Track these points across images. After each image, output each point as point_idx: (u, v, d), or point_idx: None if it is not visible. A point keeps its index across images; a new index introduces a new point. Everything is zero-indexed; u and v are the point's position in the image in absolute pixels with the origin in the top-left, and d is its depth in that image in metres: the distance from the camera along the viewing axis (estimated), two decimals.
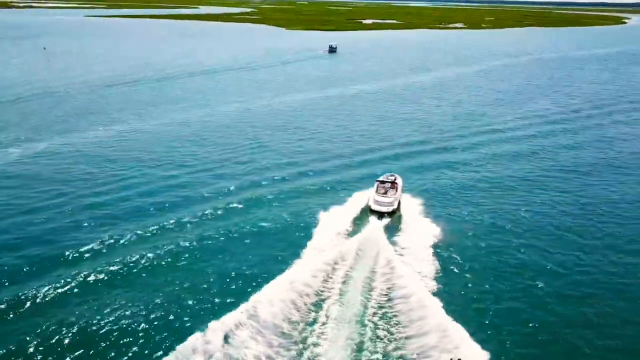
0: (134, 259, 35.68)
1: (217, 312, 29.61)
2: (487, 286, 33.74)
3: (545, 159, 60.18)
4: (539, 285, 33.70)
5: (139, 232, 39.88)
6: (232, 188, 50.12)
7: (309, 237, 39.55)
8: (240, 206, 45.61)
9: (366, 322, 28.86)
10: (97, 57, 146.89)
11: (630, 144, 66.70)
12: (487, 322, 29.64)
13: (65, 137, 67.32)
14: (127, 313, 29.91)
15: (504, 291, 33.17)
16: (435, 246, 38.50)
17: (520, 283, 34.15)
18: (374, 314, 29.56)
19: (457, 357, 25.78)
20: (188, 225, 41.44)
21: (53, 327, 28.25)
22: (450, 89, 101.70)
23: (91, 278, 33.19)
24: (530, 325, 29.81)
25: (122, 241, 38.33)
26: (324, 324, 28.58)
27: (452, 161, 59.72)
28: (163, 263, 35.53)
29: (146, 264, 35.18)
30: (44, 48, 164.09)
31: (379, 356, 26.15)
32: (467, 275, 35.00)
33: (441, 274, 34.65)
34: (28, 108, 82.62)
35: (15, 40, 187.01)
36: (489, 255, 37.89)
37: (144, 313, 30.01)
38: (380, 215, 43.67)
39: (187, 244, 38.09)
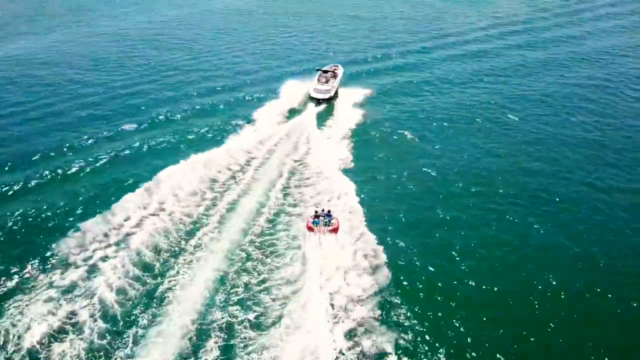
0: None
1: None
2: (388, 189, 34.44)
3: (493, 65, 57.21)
4: (436, 191, 34.12)
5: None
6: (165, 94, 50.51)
7: (248, 117, 44.22)
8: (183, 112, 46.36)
9: (239, 251, 28.04)
10: None
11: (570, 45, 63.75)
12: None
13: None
14: None
15: (403, 194, 33.84)
16: (355, 135, 40.81)
17: (419, 185, 34.76)
18: (252, 241, 28.81)
19: (322, 208, 29.67)
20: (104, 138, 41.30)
21: None
22: None
23: None
24: (417, 221, 30.96)
25: None
26: (191, 253, 27.81)
27: (399, 57, 59.43)
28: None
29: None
30: None
31: (239, 289, 25.54)
32: (377, 172, 36.24)
33: (352, 168, 36.16)
34: None
35: None
36: (403, 153, 38.96)
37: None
38: (318, 101, 46.72)
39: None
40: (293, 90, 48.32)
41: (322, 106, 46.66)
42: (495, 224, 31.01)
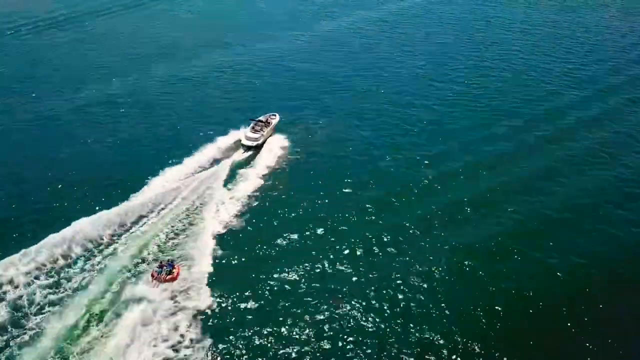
0: None
1: None
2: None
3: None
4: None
5: None
6: None
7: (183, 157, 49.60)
8: None
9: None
10: None
11: None
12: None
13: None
14: None
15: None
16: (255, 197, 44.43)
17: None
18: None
19: (167, 258, 35.22)
20: None
21: None
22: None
23: None
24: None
25: None
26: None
27: (334, 106, 61.11)
28: None
29: None
30: None
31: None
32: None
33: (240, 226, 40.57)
34: None
35: None
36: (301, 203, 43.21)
37: None
38: (247, 148, 52.11)
39: None
40: (226, 138, 53.59)
41: (250, 152, 51.99)
42: None
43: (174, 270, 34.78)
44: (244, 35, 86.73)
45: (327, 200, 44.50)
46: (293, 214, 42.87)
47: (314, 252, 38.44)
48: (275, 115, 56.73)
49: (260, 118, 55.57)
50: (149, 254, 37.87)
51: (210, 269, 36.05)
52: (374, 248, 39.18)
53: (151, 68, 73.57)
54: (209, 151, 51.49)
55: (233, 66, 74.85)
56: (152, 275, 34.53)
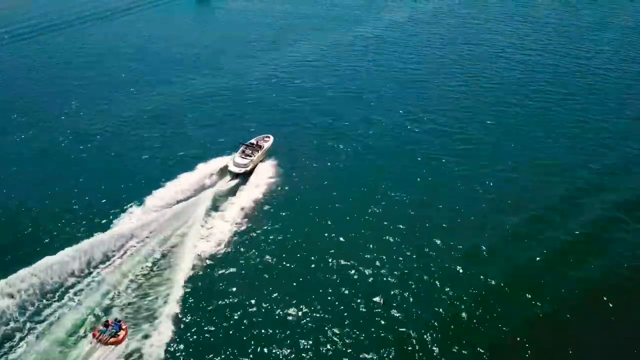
0: None
1: None
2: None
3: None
4: None
5: None
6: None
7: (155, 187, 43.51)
8: None
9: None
10: None
11: None
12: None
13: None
14: None
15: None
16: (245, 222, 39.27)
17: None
18: None
19: (116, 317, 29.61)
20: None
21: None
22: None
23: None
24: None
25: None
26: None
27: (332, 129, 54.40)
28: None
29: None
30: None
31: None
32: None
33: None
34: None
35: None
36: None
37: None
38: (235, 175, 45.67)
39: None
40: (212, 164, 47.36)
41: (236, 180, 45.76)
42: None
43: (120, 333, 28.64)
44: (232, 54, 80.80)
45: (317, 245, 37.36)
46: (276, 260, 35.80)
47: (300, 322, 30.88)
48: (269, 137, 50.37)
49: (252, 141, 49.49)
50: (100, 308, 31.31)
51: (167, 339, 28.95)
52: (374, 300, 32.45)
53: (133, 88, 67.94)
54: (190, 180, 45.30)
55: (220, 87, 68.07)
56: (94, 335, 28.62)
